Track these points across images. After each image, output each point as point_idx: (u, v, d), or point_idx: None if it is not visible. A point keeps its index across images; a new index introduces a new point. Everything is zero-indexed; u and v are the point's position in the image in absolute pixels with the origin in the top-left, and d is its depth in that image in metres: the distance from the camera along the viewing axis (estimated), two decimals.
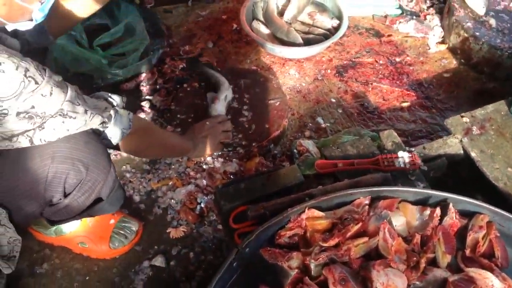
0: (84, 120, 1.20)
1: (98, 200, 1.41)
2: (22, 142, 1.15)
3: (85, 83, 2.08)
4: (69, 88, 1.16)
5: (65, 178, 1.28)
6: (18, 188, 1.27)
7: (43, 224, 1.63)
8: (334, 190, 1.49)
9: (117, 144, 1.37)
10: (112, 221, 1.68)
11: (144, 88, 2.22)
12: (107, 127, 1.28)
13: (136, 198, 1.83)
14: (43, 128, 1.14)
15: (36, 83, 1.08)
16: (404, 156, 1.62)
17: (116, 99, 1.34)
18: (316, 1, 2.54)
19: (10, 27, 1.18)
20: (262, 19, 2.50)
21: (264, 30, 2.45)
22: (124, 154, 1.94)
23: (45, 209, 1.37)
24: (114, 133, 1.31)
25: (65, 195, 1.33)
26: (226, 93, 2.03)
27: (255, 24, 2.47)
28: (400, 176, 1.61)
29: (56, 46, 2.05)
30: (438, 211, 1.39)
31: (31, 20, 1.19)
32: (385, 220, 1.35)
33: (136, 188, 1.86)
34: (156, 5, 2.63)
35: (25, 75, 1.06)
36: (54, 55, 2.07)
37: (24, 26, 1.20)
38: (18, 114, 1.08)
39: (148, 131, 1.54)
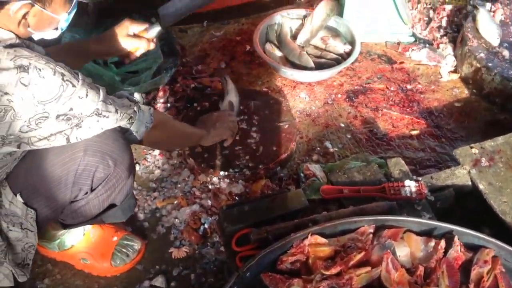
0: (116, 119, 1.27)
1: (112, 206, 1.45)
2: (60, 141, 1.20)
3: None
4: (100, 89, 1.23)
5: (94, 171, 1.33)
6: (47, 182, 1.32)
7: (47, 237, 1.64)
8: (338, 216, 1.48)
9: (141, 140, 1.42)
10: (115, 238, 1.68)
11: (155, 106, 2.24)
12: (133, 122, 1.34)
13: (141, 216, 1.84)
14: (80, 127, 1.21)
15: (74, 86, 1.15)
16: (410, 185, 1.60)
17: (136, 96, 1.40)
18: (330, 26, 2.56)
19: (36, 36, 1.25)
20: (275, 41, 2.52)
21: (277, 52, 2.47)
22: None
23: (66, 207, 1.41)
24: (138, 128, 1.37)
25: (91, 190, 1.37)
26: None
27: (268, 46, 2.49)
28: (406, 205, 1.59)
29: None
30: (443, 243, 1.36)
31: (57, 29, 1.26)
32: (389, 250, 1.34)
33: (141, 205, 1.86)
34: (171, 25, 2.66)
35: (62, 79, 1.13)
36: None
37: (50, 34, 1.27)
38: (57, 116, 1.15)
39: (167, 123, 1.61)
